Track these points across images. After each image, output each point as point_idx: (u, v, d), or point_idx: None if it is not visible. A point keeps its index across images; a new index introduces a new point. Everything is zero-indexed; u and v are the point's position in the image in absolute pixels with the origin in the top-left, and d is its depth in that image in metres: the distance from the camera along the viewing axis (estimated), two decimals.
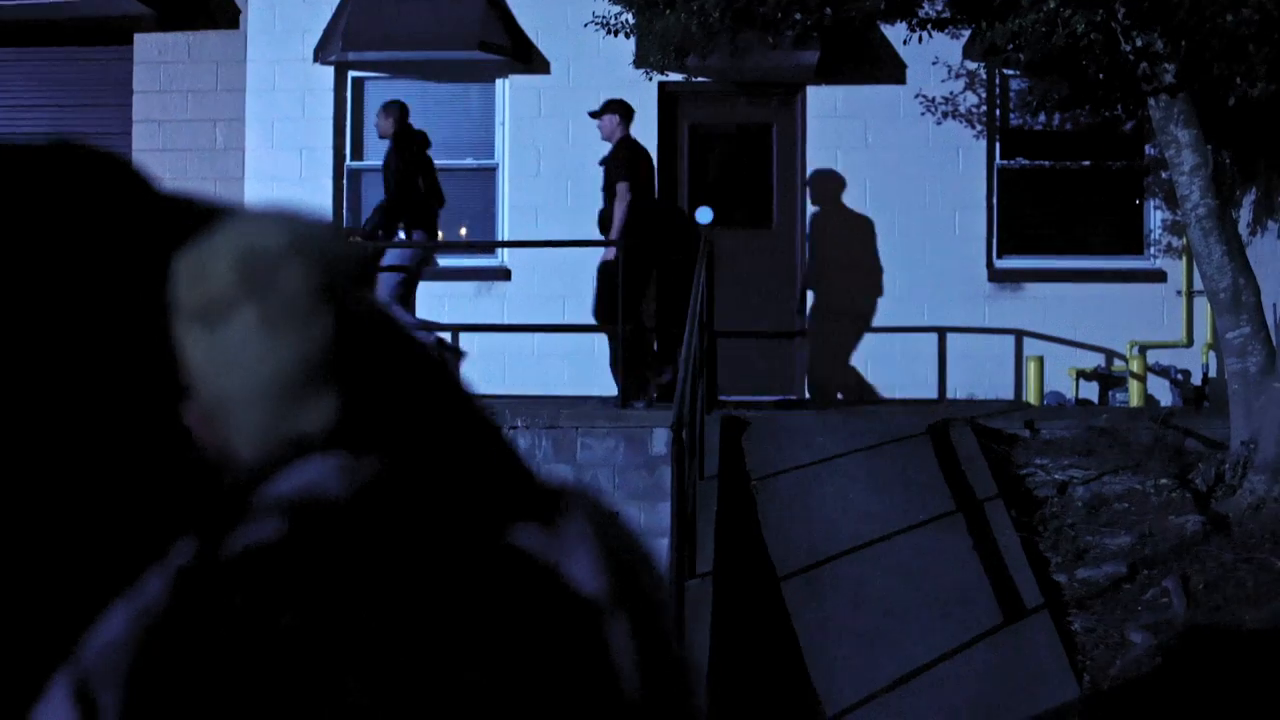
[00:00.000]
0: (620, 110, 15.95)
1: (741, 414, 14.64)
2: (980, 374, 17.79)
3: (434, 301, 18.15)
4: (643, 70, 16.46)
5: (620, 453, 14.53)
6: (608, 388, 15.95)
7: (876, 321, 17.90)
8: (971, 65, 17.89)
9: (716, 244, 17.85)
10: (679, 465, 8.90)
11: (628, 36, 15.82)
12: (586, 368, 17.22)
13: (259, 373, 1.81)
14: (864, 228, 18.07)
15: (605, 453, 14.44)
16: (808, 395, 18.18)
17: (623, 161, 15.58)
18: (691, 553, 10.56)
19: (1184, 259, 17.88)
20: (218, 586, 1.71)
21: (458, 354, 16.52)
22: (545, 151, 18.32)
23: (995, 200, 18.23)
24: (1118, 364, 17.91)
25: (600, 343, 16.43)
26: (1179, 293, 17.96)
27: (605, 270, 15.61)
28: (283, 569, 1.71)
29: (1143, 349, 17.75)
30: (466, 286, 18.38)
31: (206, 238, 1.85)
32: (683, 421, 8.97)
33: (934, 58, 17.31)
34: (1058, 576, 10.83)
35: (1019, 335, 17.78)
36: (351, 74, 18.65)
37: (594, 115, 16.08)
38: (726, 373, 17.70)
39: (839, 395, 17.93)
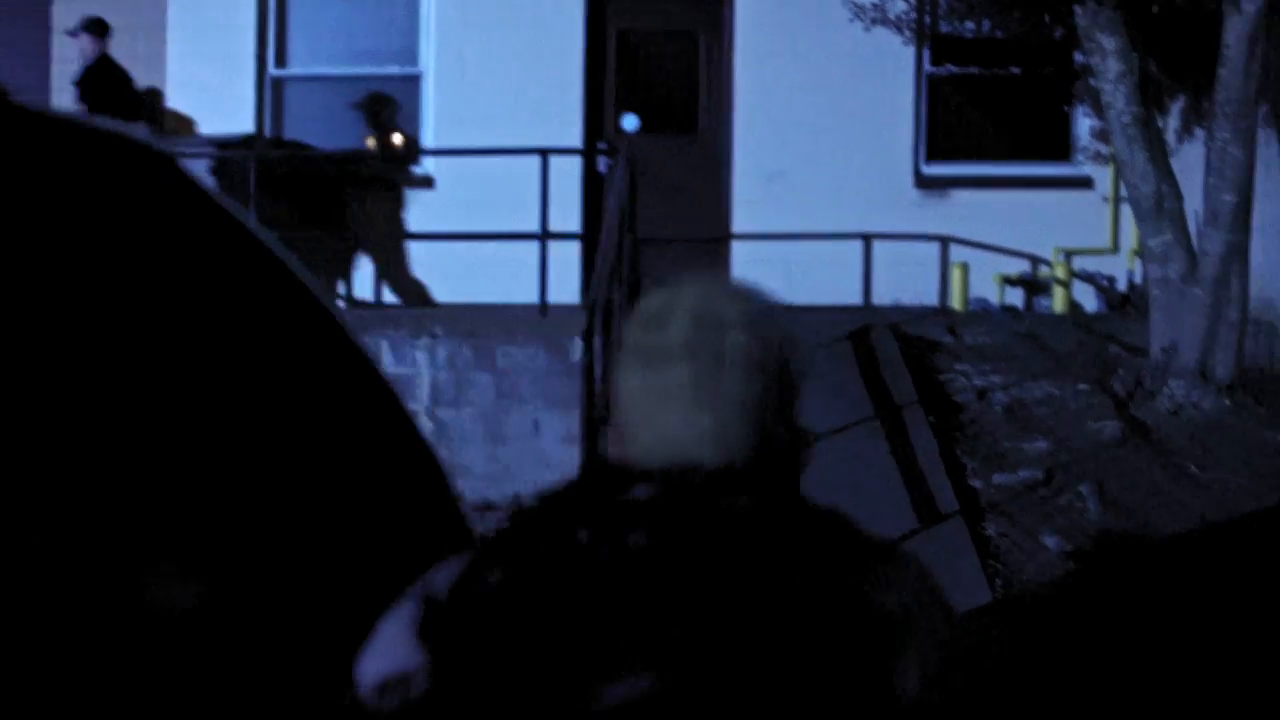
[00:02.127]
0: (95, 29, 15.53)
1: None
2: (906, 281, 17.71)
3: (357, 210, 18.02)
4: None
5: (541, 359, 14.44)
6: (532, 295, 15.84)
7: (803, 228, 17.78)
8: None
9: (643, 151, 17.71)
10: (588, 374, 8.81)
11: None
12: (510, 276, 17.08)
13: (679, 405, 2.14)
14: (791, 134, 17.95)
15: (525, 359, 14.34)
16: None
17: (91, 86, 15.10)
18: None
19: (1111, 166, 17.80)
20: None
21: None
22: (472, 59, 18.12)
23: (923, 107, 18.13)
24: (1044, 270, 17.88)
25: (525, 251, 16.30)
26: (1106, 199, 17.91)
27: None
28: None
29: (1068, 255, 17.72)
30: (391, 196, 18.21)
31: (674, 291, 2.23)
32: (593, 330, 8.87)
33: None
34: (974, 482, 10.82)
35: (945, 242, 17.72)
36: None
37: (71, 34, 15.69)
38: (654, 278, 17.60)
39: None
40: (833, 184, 17.88)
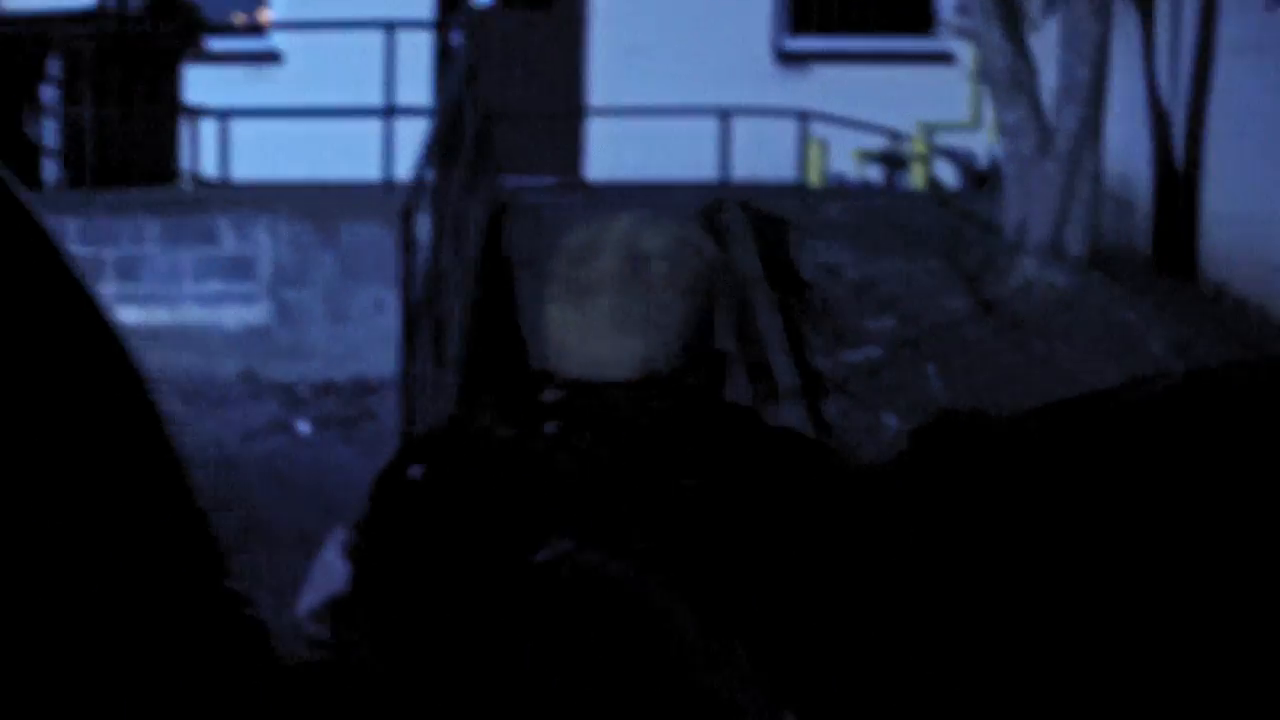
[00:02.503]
0: None
1: (515, 198, 14.22)
2: (765, 157, 17.37)
3: (203, 88, 17.47)
4: None
5: (385, 238, 14.01)
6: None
7: (660, 101, 17.41)
8: None
9: (499, 25, 17.30)
10: (406, 253, 8.43)
11: None
12: (358, 155, 16.60)
13: (608, 330, 2.24)
14: (650, 7, 17.56)
15: (370, 238, 13.93)
16: (588, 178, 17.75)
17: None
18: (441, 338, 10.19)
19: (974, 41, 17.55)
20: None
21: None
22: None
23: None
24: (905, 147, 17.64)
25: (374, 129, 15.82)
26: (968, 76, 17.64)
27: None
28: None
29: (929, 131, 17.47)
30: (235, 72, 17.69)
31: (601, 226, 2.34)
32: (414, 206, 8.49)
33: None
34: (819, 360, 10.56)
35: (804, 117, 17.41)
36: None
37: None
38: (510, 156, 17.23)
39: (620, 176, 17.51)
40: (692, 59, 17.53)
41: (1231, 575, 2.08)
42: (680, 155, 17.45)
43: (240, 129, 17.33)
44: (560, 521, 2.10)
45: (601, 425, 2.20)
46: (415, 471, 2.22)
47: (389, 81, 14.71)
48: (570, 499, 2.12)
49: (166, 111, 17.71)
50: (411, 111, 15.43)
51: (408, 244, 8.27)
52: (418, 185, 8.81)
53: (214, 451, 12.11)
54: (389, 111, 14.52)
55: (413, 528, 2.18)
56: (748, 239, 12.61)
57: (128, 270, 14.46)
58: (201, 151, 17.84)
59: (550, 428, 2.19)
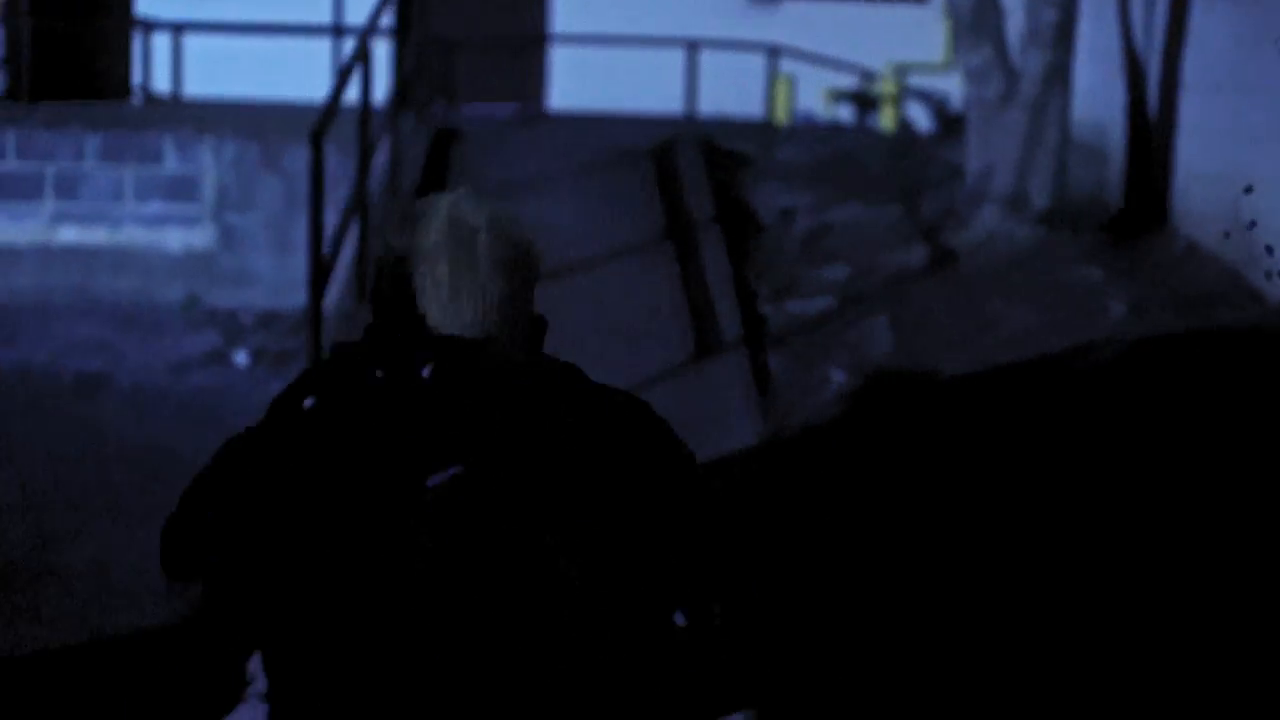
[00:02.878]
0: None
1: (468, 127, 13.77)
2: (732, 93, 17.00)
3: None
4: None
5: (331, 164, 13.57)
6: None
7: (625, 31, 16.96)
8: None
9: None
10: (314, 182, 8.02)
11: None
12: (309, 74, 16.15)
13: (441, 296, 2.49)
14: None
15: (306, 170, 13.49)
16: (549, 108, 17.31)
17: None
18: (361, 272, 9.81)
19: None
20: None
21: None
22: None
23: None
24: (875, 87, 17.21)
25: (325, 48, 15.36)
26: (943, 15, 17.20)
27: None
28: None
29: (901, 71, 17.04)
30: None
31: (428, 199, 2.59)
32: (321, 129, 8.07)
33: None
34: (765, 309, 10.17)
35: (774, 52, 16.97)
36: None
37: None
38: (470, 83, 16.81)
39: (582, 106, 17.07)
40: None
41: (1169, 543, 2.40)
42: (645, 88, 17.03)
43: (193, 44, 16.87)
44: (445, 452, 2.37)
45: (462, 374, 2.44)
46: (309, 402, 2.48)
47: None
48: (451, 434, 2.38)
49: (118, 23, 17.24)
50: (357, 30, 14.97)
51: (315, 172, 7.82)
52: (329, 109, 8.34)
53: (145, 381, 11.70)
54: (338, 30, 14.04)
55: (305, 453, 2.43)
56: (700, 179, 12.19)
57: (67, 187, 14.01)
58: (154, 66, 17.39)
59: (426, 371, 2.44)
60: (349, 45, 14.26)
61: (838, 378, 9.17)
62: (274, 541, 2.43)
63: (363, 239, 9.71)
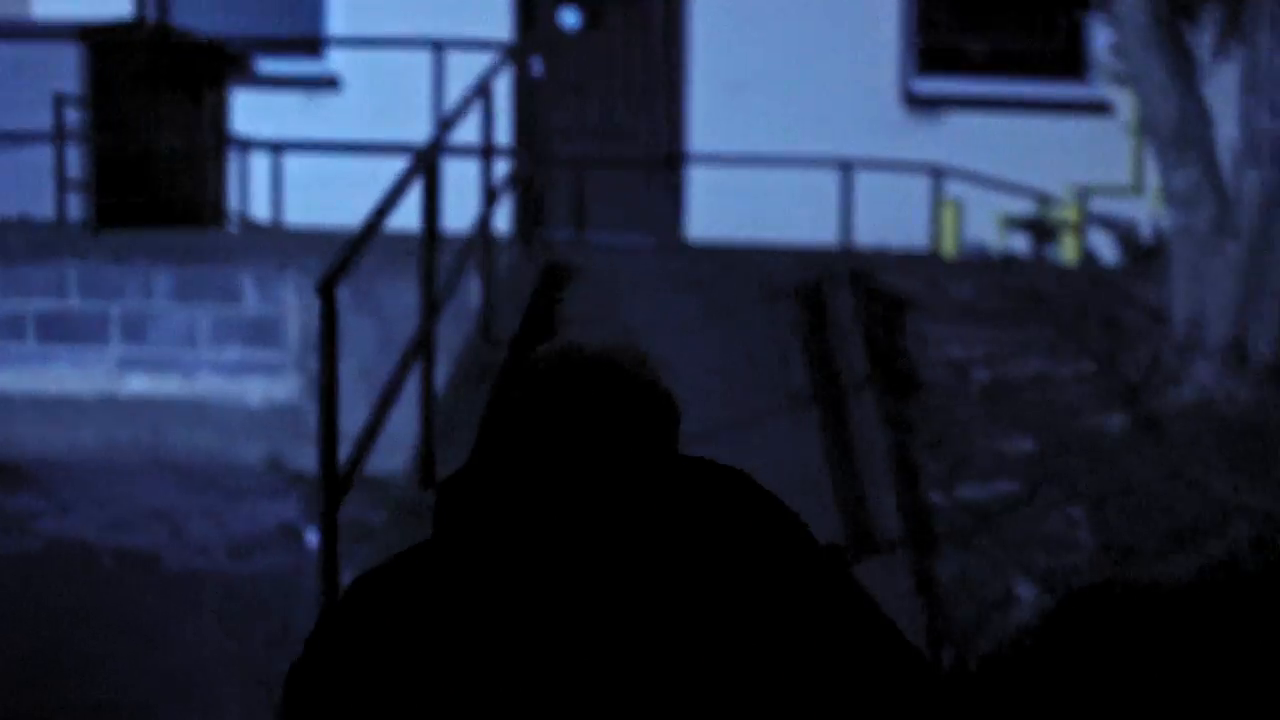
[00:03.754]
0: None
1: (578, 259, 11.99)
2: (891, 218, 15.14)
3: (250, 115, 15.46)
4: None
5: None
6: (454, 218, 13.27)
7: (770, 151, 15.17)
8: None
9: (582, 49, 15.22)
10: (325, 340, 6.17)
11: None
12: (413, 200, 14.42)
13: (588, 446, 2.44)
14: (757, 39, 15.35)
15: (406, 309, 11.74)
16: (684, 238, 15.52)
17: None
18: (429, 456, 8.03)
19: (1131, 90, 15.21)
20: None
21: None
22: None
23: (914, 9, 15.51)
24: (1053, 212, 15.28)
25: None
26: (1128, 129, 15.26)
27: None
28: None
29: (1083, 194, 15.10)
30: (289, 99, 15.64)
31: (575, 346, 2.54)
32: (335, 274, 6.24)
33: None
34: (933, 495, 8.24)
35: (937, 173, 15.10)
36: None
37: None
38: (594, 208, 15.12)
39: (721, 239, 15.26)
40: (805, 98, 15.44)
41: None
42: (794, 214, 15.23)
43: (294, 165, 15.29)
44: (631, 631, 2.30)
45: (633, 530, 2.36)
46: (467, 563, 2.38)
47: (437, 104, 12.51)
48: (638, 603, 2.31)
49: (211, 141, 15.71)
50: (460, 150, 13.33)
51: (327, 328, 5.99)
52: (356, 242, 6.50)
53: (198, 564, 10.01)
54: (431, 151, 12.32)
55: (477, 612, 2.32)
56: (854, 327, 10.29)
57: (134, 329, 12.39)
58: (251, 189, 15.83)
59: (594, 521, 2.35)
60: (473, 168, 12.64)
61: (1026, 593, 7.21)
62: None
63: (426, 397, 7.88)
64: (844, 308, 10.57)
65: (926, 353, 10.24)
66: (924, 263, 13.49)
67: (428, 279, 7.87)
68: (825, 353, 9.87)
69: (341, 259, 6.11)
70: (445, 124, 9.00)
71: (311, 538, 10.58)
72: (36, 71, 14.06)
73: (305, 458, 11.96)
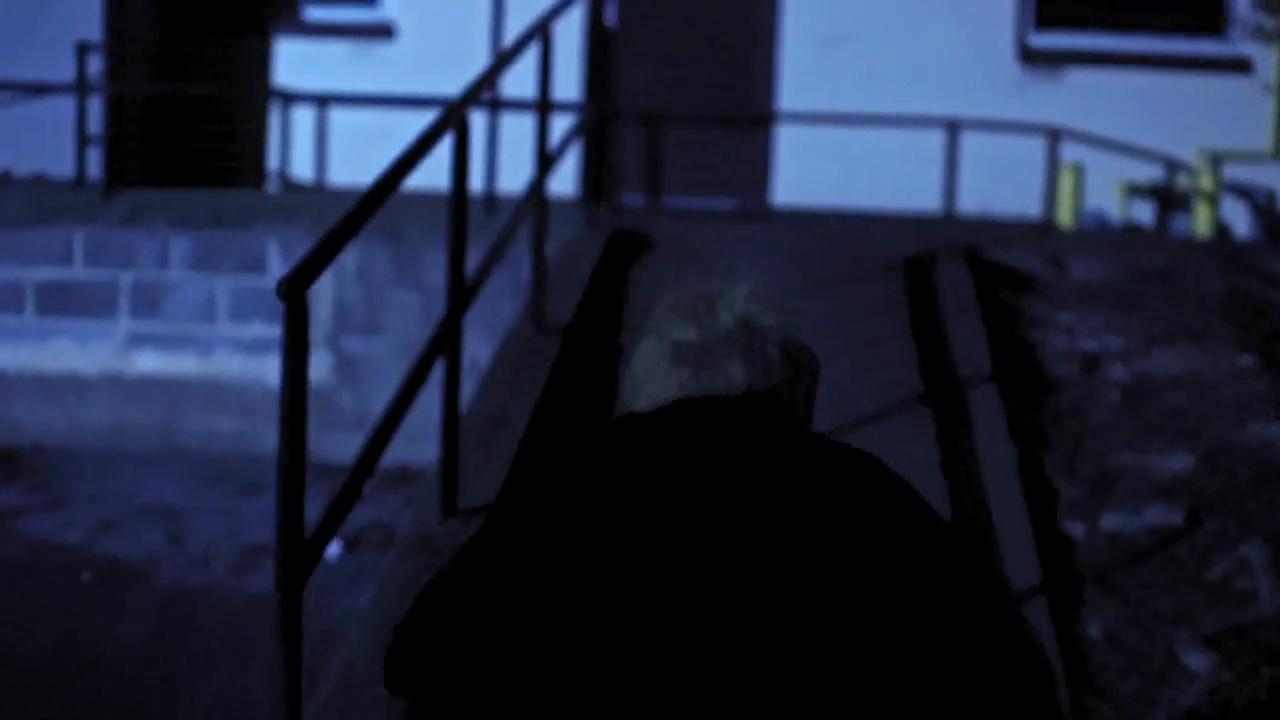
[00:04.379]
0: None
1: (651, 227, 10.49)
2: (1001, 184, 13.70)
3: (295, 66, 14.04)
4: None
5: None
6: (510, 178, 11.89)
7: (869, 109, 13.63)
8: None
9: (665, 3, 13.87)
10: (290, 343, 4.53)
11: None
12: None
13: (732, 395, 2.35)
14: None
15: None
16: (771, 203, 14.04)
17: None
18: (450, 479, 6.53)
19: (1277, 45, 13.61)
20: None
21: None
22: None
23: None
24: (1181, 179, 13.71)
25: (509, 121, 12.19)
26: (1268, 89, 13.67)
27: None
28: None
29: (1216, 160, 13.51)
30: (339, 48, 14.21)
31: (712, 292, 2.43)
32: (306, 275, 4.63)
33: None
34: (1072, 525, 6.70)
35: (1054, 135, 13.54)
36: None
37: None
38: (671, 170, 13.68)
39: (811, 205, 13.76)
40: (907, 53, 13.92)
41: None
42: (893, 178, 13.74)
43: (342, 120, 13.91)
44: (768, 554, 2.20)
45: (776, 466, 2.28)
46: (600, 487, 2.27)
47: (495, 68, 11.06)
48: (774, 535, 2.20)
49: (253, 94, 14.31)
50: (515, 105, 11.95)
51: (292, 344, 4.41)
52: (331, 238, 4.85)
53: (193, 579, 8.59)
54: (494, 104, 10.85)
55: (600, 550, 2.20)
56: (969, 311, 8.75)
57: (146, 301, 10.99)
58: (294, 146, 14.42)
59: (735, 460, 2.24)
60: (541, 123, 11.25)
61: (1197, 663, 5.66)
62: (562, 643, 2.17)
63: (448, 411, 6.34)
64: (959, 288, 9.03)
65: (1053, 344, 8.69)
66: (1041, 236, 11.92)
67: (455, 260, 6.34)
68: (938, 341, 8.33)
69: (317, 252, 4.56)
70: (490, 73, 7.48)
71: (331, 549, 9.16)
72: (59, 17, 12.74)
73: (335, 446, 10.59)
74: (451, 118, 6.17)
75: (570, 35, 13.08)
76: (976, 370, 7.94)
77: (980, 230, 12.10)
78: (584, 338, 8.11)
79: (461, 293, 6.32)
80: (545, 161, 8.31)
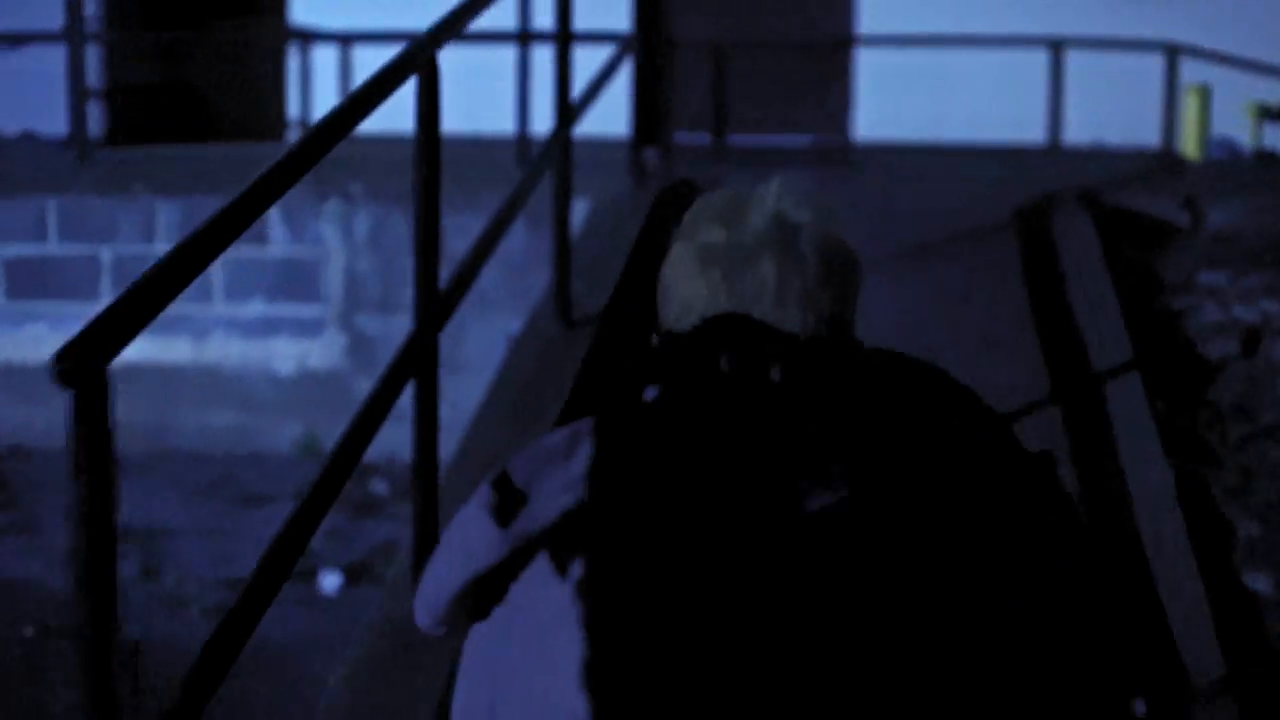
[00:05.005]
0: None
1: (711, 176, 8.96)
2: (1113, 109, 12.32)
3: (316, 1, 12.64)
4: None
5: (518, 238, 8.82)
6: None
7: (956, 28, 12.29)
8: None
9: None
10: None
11: None
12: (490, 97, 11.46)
13: (765, 300, 2.19)
14: None
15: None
16: (851, 139, 12.56)
17: None
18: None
19: None
20: None
21: None
22: None
23: None
24: None
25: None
26: None
27: None
28: None
29: None
30: None
31: (744, 192, 2.28)
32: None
33: None
34: (1254, 577, 5.11)
35: (1172, 52, 11.97)
36: None
37: None
38: (740, 106, 12.24)
39: (897, 140, 12.24)
40: None
41: None
42: (989, 106, 12.33)
43: (368, 60, 12.54)
44: (820, 468, 2.08)
45: (820, 378, 2.17)
46: (651, 393, 2.20)
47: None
48: (823, 447, 2.09)
49: (265, 35, 12.92)
50: (540, 37, 10.57)
51: (81, 442, 2.84)
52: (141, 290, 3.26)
53: (162, 631, 7.15)
54: (522, 39, 9.29)
55: (653, 454, 2.12)
56: (1099, 278, 7.15)
57: (130, 277, 9.58)
58: (316, 92, 13.00)
59: (776, 373, 2.16)
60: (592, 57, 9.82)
61: None
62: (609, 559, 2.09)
63: (424, 432, 4.72)
64: (1083, 247, 7.45)
65: (1201, 314, 7.11)
66: (1166, 171, 10.35)
67: (424, 253, 4.73)
68: (1063, 318, 6.76)
69: (106, 320, 2.93)
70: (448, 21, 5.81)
71: (330, 580, 7.70)
72: None
73: None
74: (414, 59, 4.56)
75: None
76: (1114, 356, 6.35)
77: (1092, 165, 10.60)
78: (622, 331, 6.54)
79: (434, 302, 4.69)
80: (567, 112, 6.71)
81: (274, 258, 9.40)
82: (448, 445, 4.98)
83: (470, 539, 2.14)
